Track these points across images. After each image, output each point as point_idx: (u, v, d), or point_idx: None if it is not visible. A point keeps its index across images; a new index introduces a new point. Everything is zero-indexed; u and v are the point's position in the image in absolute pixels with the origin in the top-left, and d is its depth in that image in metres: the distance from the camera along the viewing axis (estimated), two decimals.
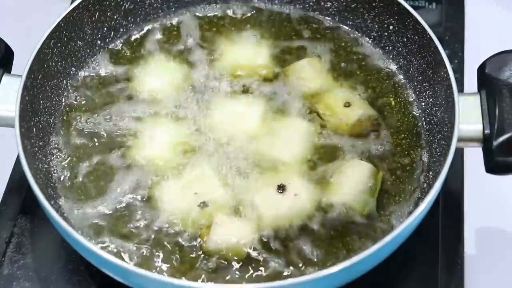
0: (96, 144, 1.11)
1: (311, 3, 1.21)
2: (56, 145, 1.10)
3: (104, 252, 0.95)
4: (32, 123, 1.07)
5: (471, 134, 1.04)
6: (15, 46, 1.11)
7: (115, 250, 1.02)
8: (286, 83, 1.15)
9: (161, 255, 1.02)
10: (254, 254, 1.01)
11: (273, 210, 1.04)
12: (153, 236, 1.03)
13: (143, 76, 1.17)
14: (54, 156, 1.09)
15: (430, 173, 1.07)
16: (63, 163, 1.09)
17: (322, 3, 1.21)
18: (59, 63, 1.13)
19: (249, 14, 1.22)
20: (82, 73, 1.16)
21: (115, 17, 1.19)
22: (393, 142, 1.10)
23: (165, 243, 1.03)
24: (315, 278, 0.93)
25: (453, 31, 1.28)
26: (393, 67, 1.17)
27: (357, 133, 1.11)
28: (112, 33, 1.19)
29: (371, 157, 1.09)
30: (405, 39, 1.14)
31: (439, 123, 1.08)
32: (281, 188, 1.06)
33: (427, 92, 1.12)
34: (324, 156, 1.09)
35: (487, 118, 1.04)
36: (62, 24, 1.12)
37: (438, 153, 1.06)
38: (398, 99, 1.14)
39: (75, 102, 1.14)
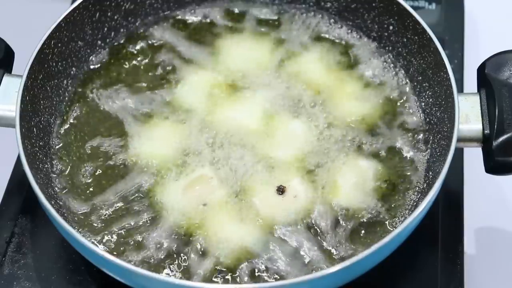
0: (97, 144, 1.11)
1: (311, 3, 1.21)
2: (56, 145, 1.10)
3: (104, 252, 0.96)
4: (32, 123, 1.07)
5: (470, 134, 1.04)
6: (16, 46, 1.11)
7: (115, 250, 1.02)
8: (286, 83, 1.15)
9: (162, 255, 1.02)
10: (253, 255, 1.02)
11: (272, 212, 1.04)
12: (153, 237, 1.03)
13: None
14: (55, 156, 1.10)
15: (430, 173, 1.07)
16: (63, 163, 1.09)
17: (322, 3, 1.21)
18: (59, 63, 1.13)
19: (249, 14, 1.22)
20: (82, 73, 1.17)
21: (116, 17, 1.19)
22: (393, 142, 1.11)
23: (166, 243, 1.03)
24: (315, 278, 0.93)
25: (453, 31, 1.28)
26: (393, 67, 1.17)
27: (359, 131, 1.11)
28: (113, 33, 1.19)
29: (372, 157, 1.09)
30: (405, 39, 1.14)
31: (439, 123, 1.08)
32: (281, 189, 1.06)
33: (427, 92, 1.12)
34: (325, 157, 1.09)
35: (486, 118, 1.04)
36: (63, 24, 1.12)
37: (438, 153, 1.06)
38: (398, 100, 1.14)
39: (75, 102, 1.14)
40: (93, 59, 1.18)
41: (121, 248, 1.02)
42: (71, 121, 1.13)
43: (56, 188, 1.07)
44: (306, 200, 1.05)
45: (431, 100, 1.11)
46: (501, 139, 1.02)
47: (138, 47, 1.20)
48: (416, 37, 1.12)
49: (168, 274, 1.00)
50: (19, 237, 1.09)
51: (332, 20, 1.21)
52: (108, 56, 1.19)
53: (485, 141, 1.04)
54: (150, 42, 1.20)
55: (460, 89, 1.20)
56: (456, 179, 1.14)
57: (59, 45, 1.12)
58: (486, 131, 1.04)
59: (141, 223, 1.04)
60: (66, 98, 1.14)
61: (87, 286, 1.06)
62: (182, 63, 1.18)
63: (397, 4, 1.13)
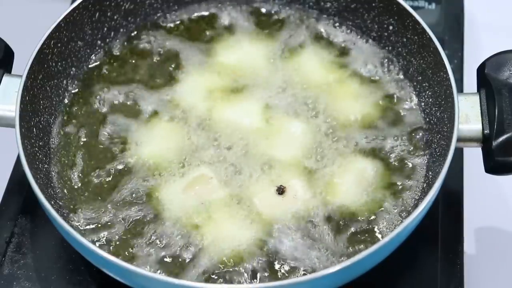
0: (97, 144, 1.11)
1: (310, 3, 1.22)
2: (56, 145, 1.10)
3: (104, 252, 0.95)
4: (32, 123, 1.07)
5: (470, 134, 1.04)
6: (16, 46, 1.11)
7: (115, 250, 1.02)
8: (286, 83, 1.15)
9: (162, 255, 1.02)
10: (253, 255, 1.02)
11: (272, 212, 1.04)
12: (153, 237, 1.03)
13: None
14: (55, 156, 1.09)
15: (430, 173, 1.07)
16: (63, 163, 1.09)
17: (322, 3, 1.21)
18: (59, 63, 1.13)
19: (249, 14, 1.23)
20: (82, 73, 1.17)
21: (115, 17, 1.19)
22: (392, 142, 1.10)
23: (166, 243, 1.03)
24: (315, 278, 0.93)
25: (453, 31, 1.28)
26: (393, 67, 1.17)
27: (359, 131, 1.11)
28: (112, 33, 1.19)
29: (371, 157, 1.09)
30: (405, 39, 1.14)
31: (439, 123, 1.08)
32: (281, 189, 1.06)
33: (427, 92, 1.12)
34: (325, 156, 1.09)
35: (486, 118, 1.04)
36: (62, 24, 1.12)
37: (438, 153, 1.06)
38: (398, 99, 1.14)
39: (75, 102, 1.14)
40: (93, 59, 1.18)
41: (121, 248, 1.02)
42: (71, 121, 1.13)
43: (56, 188, 1.07)
44: (306, 200, 1.05)
45: (431, 100, 1.11)
46: (501, 139, 1.02)
47: (137, 47, 1.20)
48: (416, 37, 1.12)
49: (168, 274, 1.00)
50: (19, 237, 1.09)
51: (332, 20, 1.21)
52: (107, 56, 1.19)
53: (485, 141, 1.04)
54: (149, 42, 1.20)
55: (460, 89, 1.20)
56: (456, 179, 1.14)
57: (59, 45, 1.12)
58: (486, 131, 1.04)
59: (141, 223, 1.04)
60: (66, 98, 1.14)
61: (87, 286, 1.06)
62: (182, 63, 1.18)
63: (397, 4, 1.14)
